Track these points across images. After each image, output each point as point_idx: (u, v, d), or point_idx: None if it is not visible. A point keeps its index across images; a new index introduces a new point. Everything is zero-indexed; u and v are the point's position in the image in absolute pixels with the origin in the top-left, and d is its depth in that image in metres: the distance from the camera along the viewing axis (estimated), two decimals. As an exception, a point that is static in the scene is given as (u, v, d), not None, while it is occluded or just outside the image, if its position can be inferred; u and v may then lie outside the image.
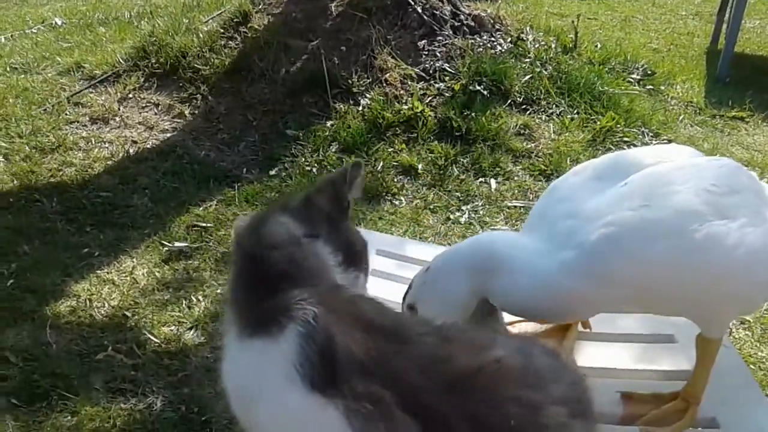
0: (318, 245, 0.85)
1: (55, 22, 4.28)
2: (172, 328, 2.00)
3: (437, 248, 1.52)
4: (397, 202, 2.63)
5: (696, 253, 0.97)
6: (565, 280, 0.99)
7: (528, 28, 3.67)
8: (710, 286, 1.00)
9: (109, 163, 2.74)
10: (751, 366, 2.05)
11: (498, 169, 2.84)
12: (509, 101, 3.16)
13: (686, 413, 1.07)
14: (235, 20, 3.45)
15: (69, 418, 1.69)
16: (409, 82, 3.18)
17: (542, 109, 3.19)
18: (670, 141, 3.13)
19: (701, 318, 1.07)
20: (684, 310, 1.06)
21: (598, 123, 3.09)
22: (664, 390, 1.14)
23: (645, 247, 0.96)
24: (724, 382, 1.13)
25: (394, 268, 1.40)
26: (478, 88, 3.15)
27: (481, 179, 2.79)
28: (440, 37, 3.34)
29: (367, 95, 3.08)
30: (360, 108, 3.03)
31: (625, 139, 3.07)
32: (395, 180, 2.74)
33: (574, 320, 1.19)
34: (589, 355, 1.21)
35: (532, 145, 2.99)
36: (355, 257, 0.87)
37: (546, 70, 3.37)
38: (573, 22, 3.87)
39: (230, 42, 3.36)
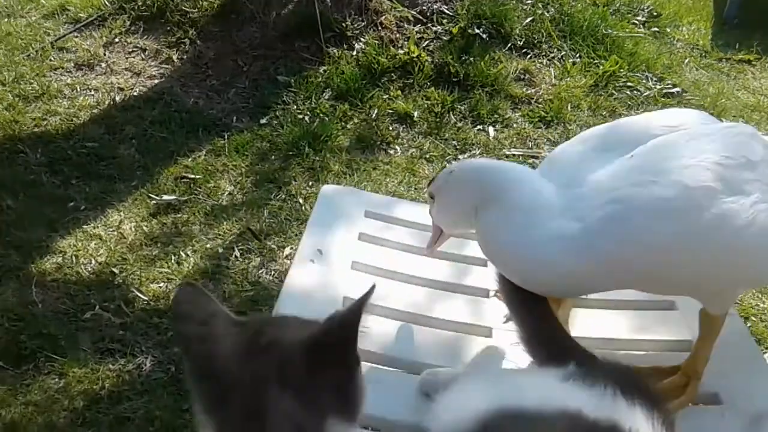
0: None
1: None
2: (161, 284, 1.96)
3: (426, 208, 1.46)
4: (392, 151, 2.56)
5: (705, 234, 0.91)
6: (562, 257, 0.93)
7: (529, -33, 3.53)
8: (718, 267, 0.94)
9: (95, 111, 2.65)
10: (753, 318, 2.02)
11: (496, 116, 2.76)
12: (509, 45, 3.05)
13: (686, 389, 1.03)
14: (223, -41, 3.30)
15: (57, 380, 1.67)
16: (406, 26, 3.06)
17: (543, 53, 3.08)
18: (674, 86, 3.03)
19: (706, 296, 1.02)
20: (688, 290, 1.01)
21: (601, 68, 2.99)
22: (664, 362, 1.09)
23: (652, 228, 0.90)
24: (728, 353, 1.08)
25: (383, 230, 1.34)
26: (477, 31, 3.03)
27: (478, 127, 2.71)
28: (438, -23, 3.21)
29: (362, 39, 2.97)
30: (354, 53, 2.92)
31: (629, 84, 2.98)
32: (390, 128, 2.66)
33: (560, 297, 1.14)
34: (585, 325, 1.16)
35: (532, 90, 2.90)
36: (356, 411, 0.70)
37: (548, 11, 3.25)
38: (576, -41, 3.71)
39: (219, -18, 3.23)
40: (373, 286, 0.71)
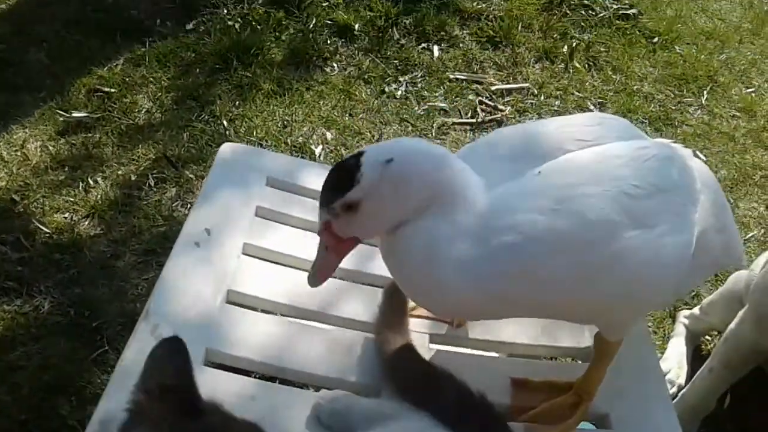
0: None
1: None
2: (66, 215, 1.84)
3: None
4: (328, 69, 2.41)
5: (603, 272, 0.85)
6: (458, 282, 0.85)
7: None
8: (615, 302, 0.89)
9: (2, 6, 2.41)
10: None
11: (443, 33, 2.60)
12: (463, -48, 2.84)
13: (577, 408, 1.00)
14: None
15: (-55, 321, 1.58)
16: None
17: (498, -36, 2.88)
18: (631, 6, 2.89)
19: (603, 325, 0.97)
20: (584, 320, 0.95)
21: (557, -16, 2.82)
22: (564, 375, 1.05)
23: (547, 263, 0.83)
24: (626, 369, 1.05)
25: (285, 203, 1.23)
26: (429, -66, 2.81)
27: (423, 45, 2.55)
28: None
29: (304, -65, 2.72)
30: (295, -49, 2.68)
31: (585, 2, 2.83)
32: (328, 42, 2.48)
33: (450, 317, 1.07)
34: (482, 326, 1.11)
35: (484, 5, 2.73)
36: None
37: None
38: None
39: None
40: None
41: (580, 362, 1.13)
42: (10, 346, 1.56)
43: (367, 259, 1.17)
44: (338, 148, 2.14)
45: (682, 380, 1.75)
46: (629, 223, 0.85)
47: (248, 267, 1.12)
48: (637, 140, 0.95)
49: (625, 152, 0.90)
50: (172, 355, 0.69)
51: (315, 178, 1.31)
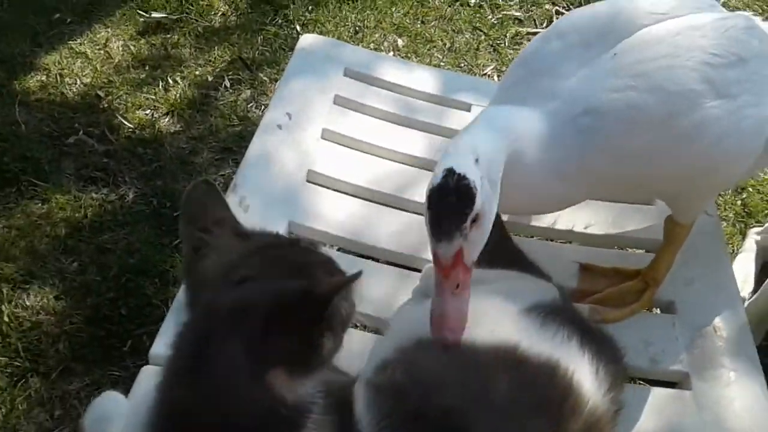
0: None
1: None
2: (147, 112, 1.92)
3: (414, 67, 1.37)
4: (402, -26, 2.38)
5: (682, 146, 0.85)
6: (540, 176, 0.87)
7: None
8: (692, 178, 0.89)
9: None
10: (749, 188, 1.97)
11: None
12: None
13: (644, 295, 1.02)
14: None
15: (40, 205, 1.68)
16: None
17: None
18: None
19: (675, 204, 0.97)
20: (658, 197, 0.96)
21: None
22: (630, 264, 1.07)
23: (626, 142, 0.84)
24: (695, 257, 1.06)
25: (362, 93, 1.26)
26: None
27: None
28: None
29: None
30: None
31: None
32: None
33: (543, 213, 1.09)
34: (552, 216, 1.13)
35: None
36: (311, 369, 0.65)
37: None
38: None
39: None
40: (360, 273, 0.66)
41: (647, 251, 1.14)
42: (99, 230, 1.66)
43: (440, 150, 1.20)
44: (409, 55, 2.15)
45: (745, 294, 1.74)
46: (711, 92, 0.84)
47: (327, 150, 1.16)
48: (714, 11, 0.93)
49: (704, 23, 0.88)
50: (208, 194, 0.74)
51: (392, 70, 1.33)
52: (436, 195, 0.79)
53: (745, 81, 0.88)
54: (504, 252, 0.97)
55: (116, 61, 2.01)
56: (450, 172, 0.79)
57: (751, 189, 1.98)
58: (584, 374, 0.75)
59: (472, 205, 0.77)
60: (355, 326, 1.00)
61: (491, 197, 0.80)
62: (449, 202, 0.78)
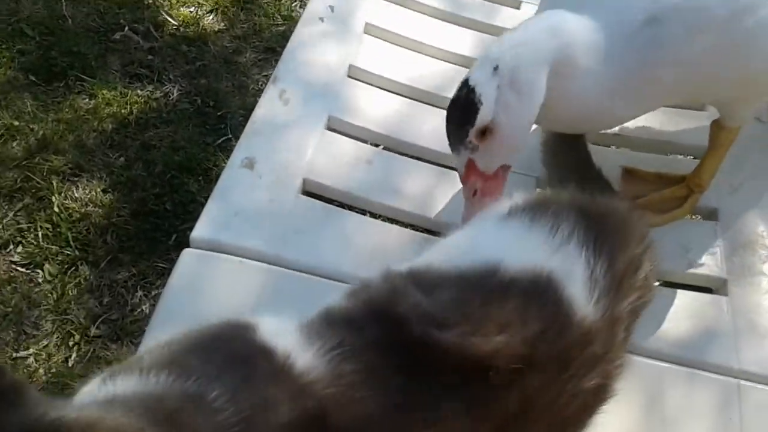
0: None
1: None
2: (192, 9, 1.90)
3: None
4: None
5: (741, 47, 0.81)
6: (594, 91, 0.83)
7: None
8: (749, 81, 0.86)
9: None
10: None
11: None
12: None
13: (687, 200, 1.00)
14: None
15: (87, 100, 1.71)
16: None
17: None
18: None
19: (727, 108, 0.93)
20: (711, 101, 0.92)
21: None
22: (674, 170, 1.04)
23: (689, 48, 0.80)
24: (742, 165, 1.03)
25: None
26: None
27: None
28: None
29: None
30: None
31: None
32: None
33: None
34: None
35: None
36: None
37: None
38: None
39: None
40: None
41: (694, 158, 1.11)
42: (144, 127, 1.68)
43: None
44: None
45: None
46: None
47: (370, 45, 1.14)
48: None
49: None
50: None
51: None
52: (450, 108, 0.82)
53: None
54: (568, 158, 0.95)
55: (161, -44, 1.99)
56: (464, 84, 0.80)
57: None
58: (577, 285, 0.64)
59: (473, 120, 0.78)
60: (393, 221, 1.01)
61: (514, 106, 0.78)
62: (455, 116, 0.81)
